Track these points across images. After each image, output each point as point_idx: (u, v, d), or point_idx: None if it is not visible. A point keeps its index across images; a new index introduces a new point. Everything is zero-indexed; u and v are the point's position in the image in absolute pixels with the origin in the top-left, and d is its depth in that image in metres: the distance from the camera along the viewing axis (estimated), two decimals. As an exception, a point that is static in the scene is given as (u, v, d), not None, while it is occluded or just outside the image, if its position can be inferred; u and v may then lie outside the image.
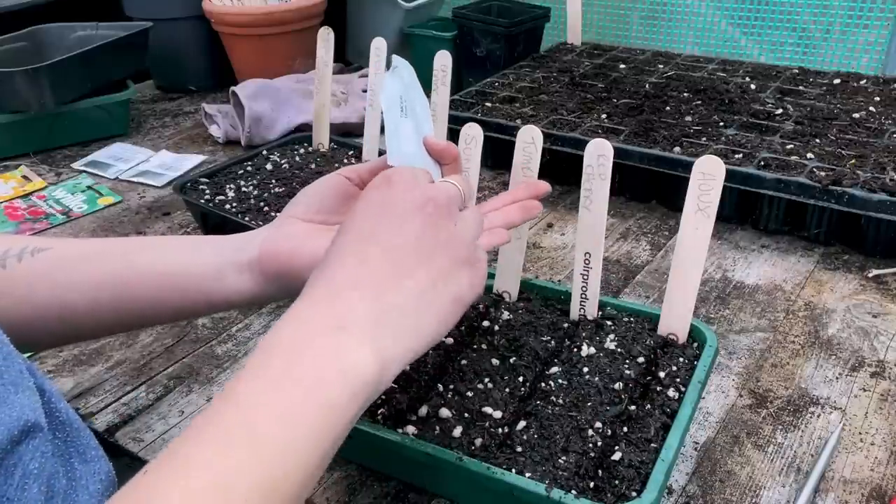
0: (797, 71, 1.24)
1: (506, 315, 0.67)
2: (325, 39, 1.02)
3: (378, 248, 0.43)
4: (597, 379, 0.59)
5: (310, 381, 0.38)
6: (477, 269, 0.46)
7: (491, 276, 0.71)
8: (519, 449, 0.53)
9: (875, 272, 0.86)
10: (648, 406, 0.57)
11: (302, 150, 1.08)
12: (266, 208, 0.91)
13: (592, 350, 0.62)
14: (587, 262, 0.64)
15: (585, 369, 0.60)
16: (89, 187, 1.14)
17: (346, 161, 1.03)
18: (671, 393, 0.58)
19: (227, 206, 0.91)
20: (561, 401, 0.57)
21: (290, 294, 0.56)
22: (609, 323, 0.65)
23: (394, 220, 0.44)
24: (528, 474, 0.51)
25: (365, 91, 1.32)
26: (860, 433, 0.64)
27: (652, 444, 0.53)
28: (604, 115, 1.08)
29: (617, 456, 0.52)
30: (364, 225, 0.44)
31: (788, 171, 0.90)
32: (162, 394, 0.72)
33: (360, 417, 0.55)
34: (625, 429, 0.55)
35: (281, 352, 0.39)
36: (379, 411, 0.57)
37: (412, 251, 0.43)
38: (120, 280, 0.53)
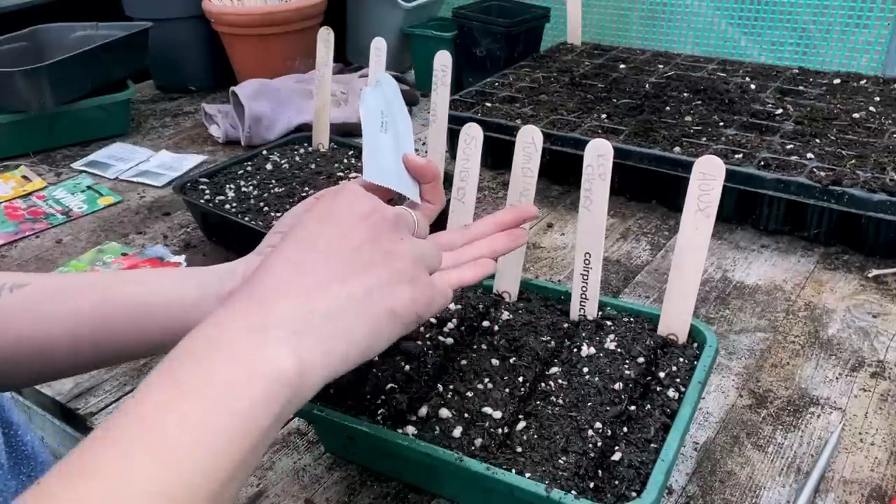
0: (797, 71, 1.24)
1: (506, 315, 0.67)
2: (325, 39, 1.02)
3: (315, 254, 0.42)
4: (597, 379, 0.59)
5: (220, 384, 0.36)
6: (422, 288, 0.45)
7: (491, 276, 0.71)
8: (519, 449, 0.53)
9: (875, 272, 0.86)
10: (648, 406, 0.57)
11: (302, 150, 1.08)
12: (266, 208, 0.91)
13: (592, 350, 0.62)
14: (587, 262, 0.64)
15: (585, 369, 0.60)
16: (89, 187, 1.14)
17: (346, 161, 1.03)
18: (671, 393, 0.58)
19: (227, 206, 0.91)
20: (561, 401, 0.57)
21: None
22: (609, 323, 0.65)
23: (336, 227, 0.43)
24: (528, 474, 0.51)
25: (365, 91, 1.32)
26: (860, 433, 0.64)
27: (652, 445, 0.53)
28: (604, 115, 1.08)
29: (617, 456, 0.52)
30: (304, 233, 0.43)
31: (788, 171, 0.90)
32: (162, 394, 0.71)
33: (360, 417, 0.56)
34: (625, 429, 0.55)
35: (194, 354, 0.37)
36: (379, 411, 0.57)
37: (349, 258, 0.42)
38: (100, 313, 0.52)
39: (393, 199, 0.55)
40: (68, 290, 0.53)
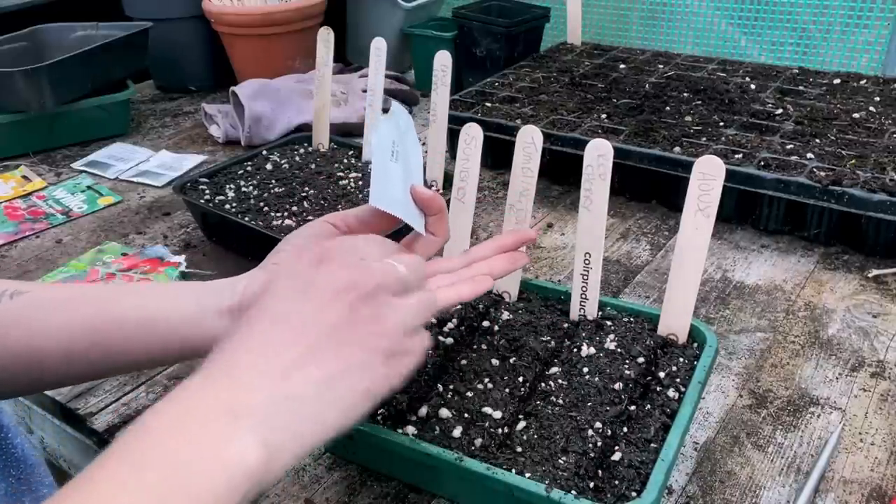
0: (797, 71, 1.24)
1: (506, 315, 0.67)
2: (325, 39, 1.02)
3: (288, 331, 0.41)
4: (597, 379, 0.59)
5: (182, 469, 0.35)
6: (399, 361, 0.44)
7: (491, 276, 0.71)
8: (519, 449, 0.53)
9: (875, 272, 0.86)
10: (648, 406, 0.57)
11: (302, 150, 1.08)
12: (266, 208, 0.91)
13: (592, 350, 0.62)
14: (587, 262, 0.64)
15: (585, 369, 0.60)
16: (89, 187, 1.14)
17: (346, 161, 1.03)
18: (671, 393, 0.58)
19: (227, 207, 0.91)
20: (561, 401, 0.57)
21: None
22: (609, 323, 0.65)
23: (310, 304, 0.42)
24: (528, 474, 0.51)
25: (365, 91, 1.32)
26: (860, 433, 0.64)
27: (652, 445, 0.53)
28: (604, 115, 1.08)
29: (617, 456, 0.52)
30: (280, 305, 0.43)
31: (788, 171, 0.90)
32: (162, 394, 0.71)
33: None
34: (625, 429, 0.55)
35: (159, 432, 0.36)
36: (379, 411, 0.57)
37: (324, 338, 0.41)
38: (95, 326, 0.52)
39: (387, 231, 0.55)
40: (64, 302, 0.53)
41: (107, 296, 0.55)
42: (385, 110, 0.62)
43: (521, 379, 0.60)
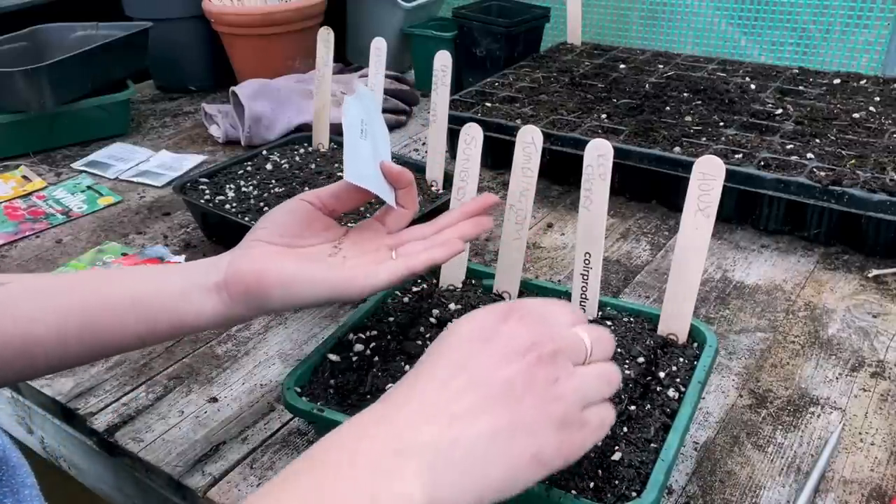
0: (797, 71, 1.24)
1: (506, 315, 0.67)
2: (325, 39, 1.02)
3: (463, 378, 0.41)
4: (597, 379, 0.58)
5: (350, 502, 0.37)
6: (574, 432, 0.42)
7: (491, 276, 0.71)
8: (519, 449, 0.53)
9: (875, 272, 0.86)
10: (648, 406, 0.57)
11: (302, 150, 1.08)
12: (266, 208, 0.90)
13: (592, 350, 0.62)
14: (587, 262, 0.64)
15: (585, 369, 0.60)
16: (89, 187, 1.14)
17: (346, 161, 1.03)
18: (671, 393, 0.58)
19: (227, 206, 0.91)
20: (561, 401, 0.57)
21: (257, 314, 0.57)
22: (609, 323, 0.65)
23: (489, 357, 0.42)
24: (528, 474, 0.51)
25: (365, 91, 1.32)
26: (860, 433, 0.64)
27: (652, 444, 0.53)
28: (604, 115, 1.08)
29: (617, 456, 0.52)
30: (458, 354, 0.43)
31: (788, 171, 0.90)
32: (162, 394, 0.72)
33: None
34: (625, 429, 0.55)
35: (332, 463, 0.38)
36: (379, 411, 0.57)
37: (498, 392, 0.41)
38: (87, 309, 0.53)
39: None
40: (51, 290, 0.54)
41: (96, 281, 0.56)
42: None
43: (521, 379, 0.59)
